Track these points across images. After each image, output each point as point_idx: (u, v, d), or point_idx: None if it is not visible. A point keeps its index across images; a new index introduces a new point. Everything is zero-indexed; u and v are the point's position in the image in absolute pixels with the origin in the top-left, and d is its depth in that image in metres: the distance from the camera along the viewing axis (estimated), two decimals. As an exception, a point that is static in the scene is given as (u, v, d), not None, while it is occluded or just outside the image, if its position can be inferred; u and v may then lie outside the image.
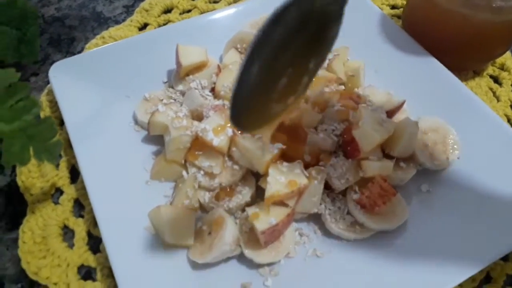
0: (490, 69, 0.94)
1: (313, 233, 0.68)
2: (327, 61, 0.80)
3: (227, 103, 0.73)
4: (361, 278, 0.62)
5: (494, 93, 0.90)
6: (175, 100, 0.80)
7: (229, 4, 1.06)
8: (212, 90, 0.76)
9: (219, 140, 0.65)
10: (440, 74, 0.83)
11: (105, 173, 0.69)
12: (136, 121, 0.78)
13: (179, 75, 0.81)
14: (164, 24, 0.99)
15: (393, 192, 0.65)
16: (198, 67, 0.81)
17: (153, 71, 0.84)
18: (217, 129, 0.66)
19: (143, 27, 1.00)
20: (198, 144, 0.67)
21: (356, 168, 0.67)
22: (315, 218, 0.68)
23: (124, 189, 0.68)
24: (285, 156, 0.66)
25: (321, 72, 0.74)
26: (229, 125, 0.67)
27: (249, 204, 0.67)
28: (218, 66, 0.77)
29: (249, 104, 0.45)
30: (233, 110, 0.44)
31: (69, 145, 0.74)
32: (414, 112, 0.79)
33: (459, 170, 0.73)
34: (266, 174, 0.64)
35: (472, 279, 0.64)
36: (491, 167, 0.71)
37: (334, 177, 0.66)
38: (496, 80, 0.93)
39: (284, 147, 0.64)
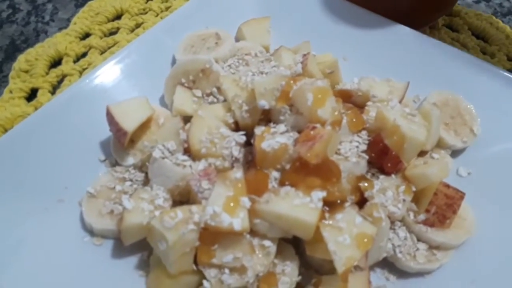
0: (441, 20, 0.87)
1: (386, 280, 0.53)
2: (300, 65, 0.64)
3: (213, 160, 0.52)
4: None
5: (458, 41, 0.83)
6: (131, 180, 0.57)
7: (131, 30, 0.83)
8: (186, 151, 0.54)
9: (239, 221, 0.45)
10: (413, 40, 0.72)
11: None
12: (92, 232, 0.53)
13: (122, 145, 0.58)
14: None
15: (460, 195, 0.52)
16: (143, 126, 0.59)
17: (80, 152, 0.59)
18: (229, 205, 0.46)
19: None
20: (208, 236, 0.46)
21: (405, 183, 0.53)
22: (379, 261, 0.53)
23: None
24: (326, 205, 0.49)
25: (306, 83, 0.55)
26: (242, 192, 0.47)
27: (302, 285, 0.49)
28: (180, 118, 0.55)
29: None
30: None
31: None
32: (409, 91, 0.66)
33: (486, 139, 0.63)
34: (316, 240, 0.46)
35: None
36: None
37: (388, 204, 0.51)
38: (451, 28, 0.86)
39: (325, 193, 0.47)
